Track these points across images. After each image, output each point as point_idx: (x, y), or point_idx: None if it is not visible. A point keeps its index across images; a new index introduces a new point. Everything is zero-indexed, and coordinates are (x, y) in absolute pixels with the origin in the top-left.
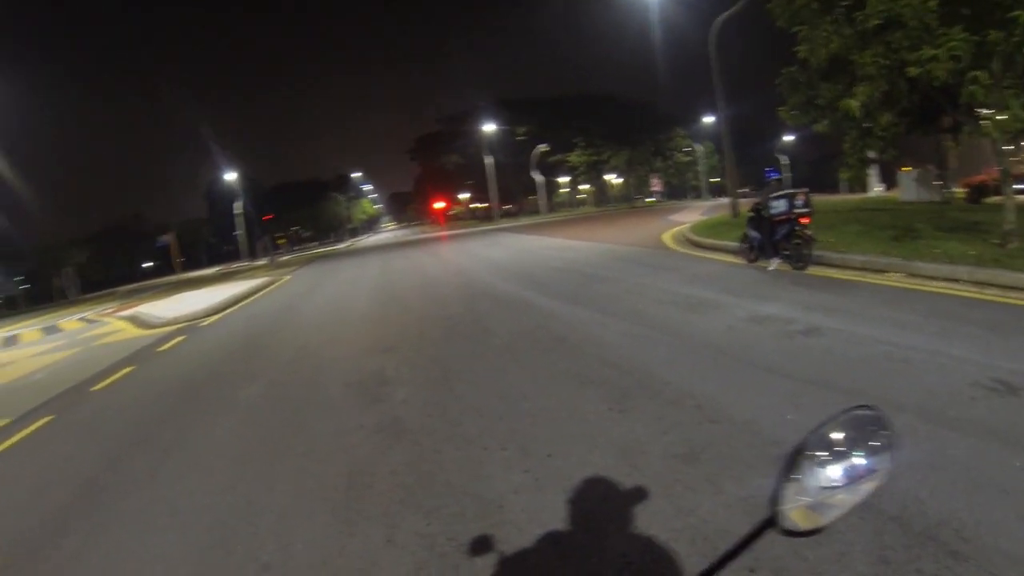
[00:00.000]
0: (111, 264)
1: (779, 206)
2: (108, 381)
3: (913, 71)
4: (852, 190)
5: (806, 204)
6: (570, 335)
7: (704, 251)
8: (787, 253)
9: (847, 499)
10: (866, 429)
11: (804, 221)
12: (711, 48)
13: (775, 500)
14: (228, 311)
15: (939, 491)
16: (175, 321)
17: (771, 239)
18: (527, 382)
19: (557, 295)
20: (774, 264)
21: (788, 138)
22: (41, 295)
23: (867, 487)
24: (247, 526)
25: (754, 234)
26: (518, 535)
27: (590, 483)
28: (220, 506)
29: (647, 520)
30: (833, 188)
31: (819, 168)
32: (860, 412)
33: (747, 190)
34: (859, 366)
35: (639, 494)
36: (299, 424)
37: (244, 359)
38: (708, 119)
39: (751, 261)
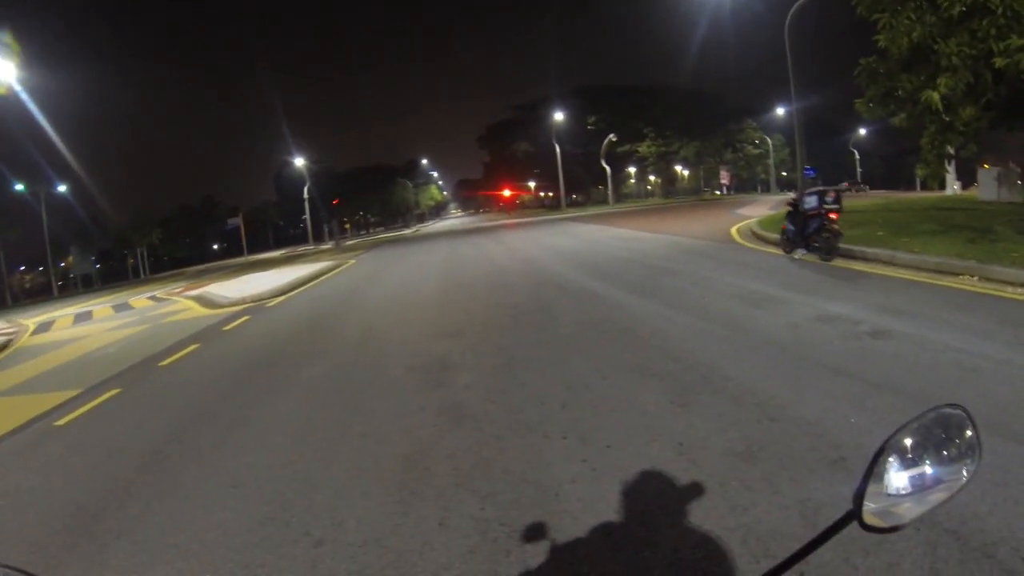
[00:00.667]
0: (181, 245)
1: (811, 202)
2: (174, 357)
3: (1000, 62)
4: (926, 188)
5: (836, 201)
6: (635, 327)
7: (770, 246)
8: (816, 245)
9: (914, 508)
10: (945, 434)
11: (833, 216)
12: (786, 37)
13: (858, 495)
14: (293, 293)
15: (1000, 508)
16: (241, 301)
17: (803, 232)
18: (591, 372)
19: (624, 286)
20: (799, 253)
21: (863, 132)
22: (114, 274)
23: (935, 498)
24: (304, 501)
25: (790, 227)
26: (572, 524)
27: (647, 476)
28: (279, 480)
29: (701, 516)
30: (909, 185)
31: (894, 164)
32: (947, 411)
33: (822, 185)
34: (927, 372)
35: (695, 490)
36: (361, 405)
37: (308, 340)
38: (780, 111)
39: (787, 252)
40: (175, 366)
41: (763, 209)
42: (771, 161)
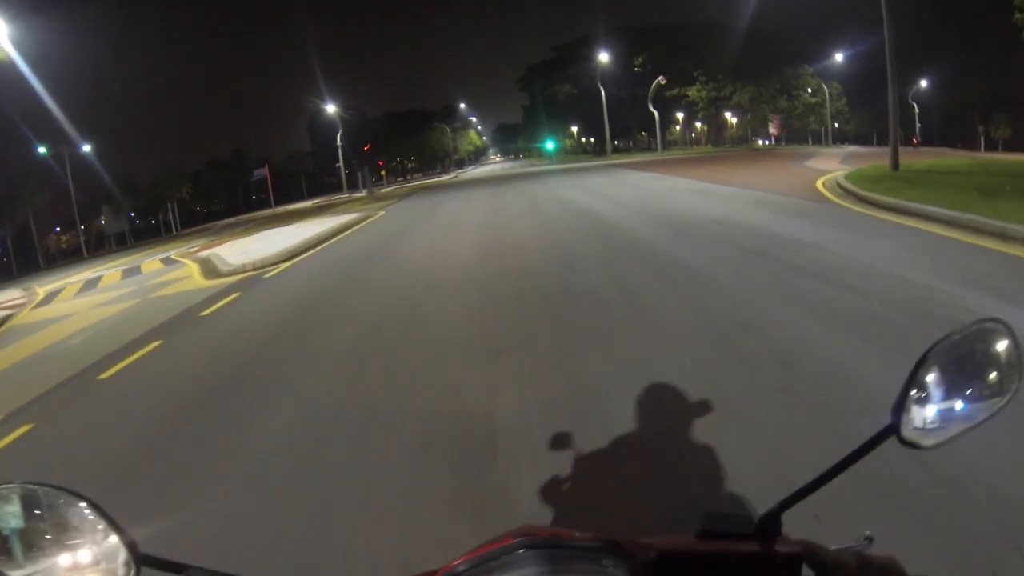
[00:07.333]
0: (214, 198)
1: None
2: (121, 364)
3: None
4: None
5: None
6: (784, 347)
7: (887, 212)
8: None
9: (954, 426)
10: (987, 348)
11: None
12: None
13: (896, 408)
14: (304, 255)
15: None
16: (241, 269)
17: None
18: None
19: (724, 263)
20: None
21: (923, 84)
22: (149, 230)
23: (977, 415)
24: None
25: None
26: None
27: None
28: None
29: None
30: (969, 143)
31: (953, 118)
32: (990, 326)
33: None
34: None
35: None
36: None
37: (292, 339)
38: (838, 56)
39: None
40: (117, 380)
41: (834, 163)
42: (827, 110)
